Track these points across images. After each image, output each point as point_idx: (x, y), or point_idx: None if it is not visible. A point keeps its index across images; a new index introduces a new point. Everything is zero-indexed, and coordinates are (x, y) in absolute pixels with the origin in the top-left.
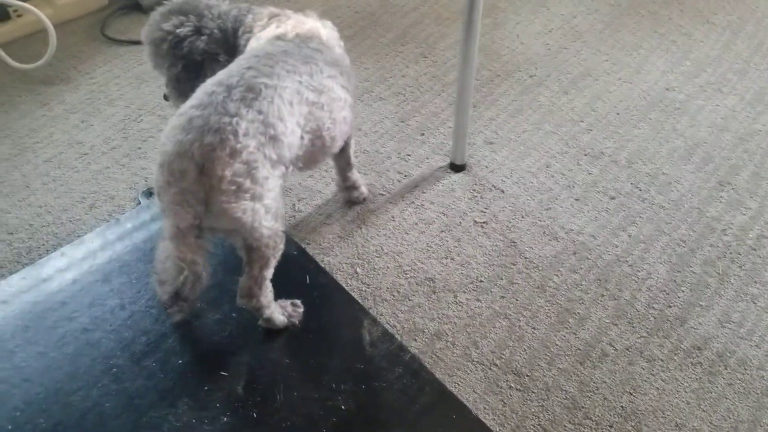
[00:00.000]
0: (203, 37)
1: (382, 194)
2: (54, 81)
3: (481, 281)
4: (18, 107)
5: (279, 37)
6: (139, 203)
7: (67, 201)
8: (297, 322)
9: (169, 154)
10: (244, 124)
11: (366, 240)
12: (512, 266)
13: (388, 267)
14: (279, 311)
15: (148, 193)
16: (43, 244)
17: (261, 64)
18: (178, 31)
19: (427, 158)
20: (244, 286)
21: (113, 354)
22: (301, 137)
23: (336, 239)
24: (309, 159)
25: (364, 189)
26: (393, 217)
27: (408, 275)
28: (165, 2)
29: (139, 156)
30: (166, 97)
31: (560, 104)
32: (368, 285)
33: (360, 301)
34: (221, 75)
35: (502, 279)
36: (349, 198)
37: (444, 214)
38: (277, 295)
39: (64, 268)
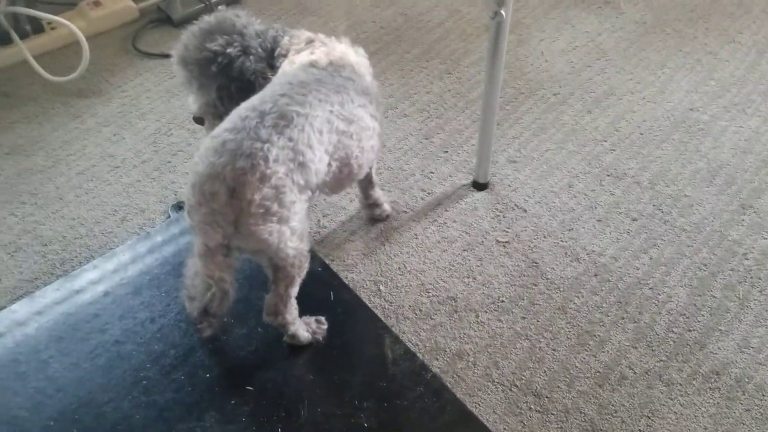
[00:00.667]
0: (251, 57)
1: (405, 211)
2: (87, 94)
3: (503, 301)
4: (52, 119)
5: (312, 64)
6: (169, 217)
7: (100, 213)
8: (321, 339)
9: (202, 176)
10: (274, 151)
11: (389, 257)
12: (533, 287)
13: (410, 285)
14: (303, 328)
15: (178, 207)
16: (76, 256)
17: (294, 92)
18: (228, 51)
19: (450, 176)
20: (270, 303)
21: (143, 366)
22: (329, 164)
23: (360, 256)
24: (336, 184)
25: (386, 206)
26: (416, 234)
27: (430, 294)
28: (196, 21)
29: (169, 170)
30: (199, 121)
31: (584, 123)
32: (391, 303)
33: (383, 318)
34: (255, 100)
35: (523, 299)
36: (372, 215)
37: (466, 233)
38: (302, 311)
39: (97, 280)
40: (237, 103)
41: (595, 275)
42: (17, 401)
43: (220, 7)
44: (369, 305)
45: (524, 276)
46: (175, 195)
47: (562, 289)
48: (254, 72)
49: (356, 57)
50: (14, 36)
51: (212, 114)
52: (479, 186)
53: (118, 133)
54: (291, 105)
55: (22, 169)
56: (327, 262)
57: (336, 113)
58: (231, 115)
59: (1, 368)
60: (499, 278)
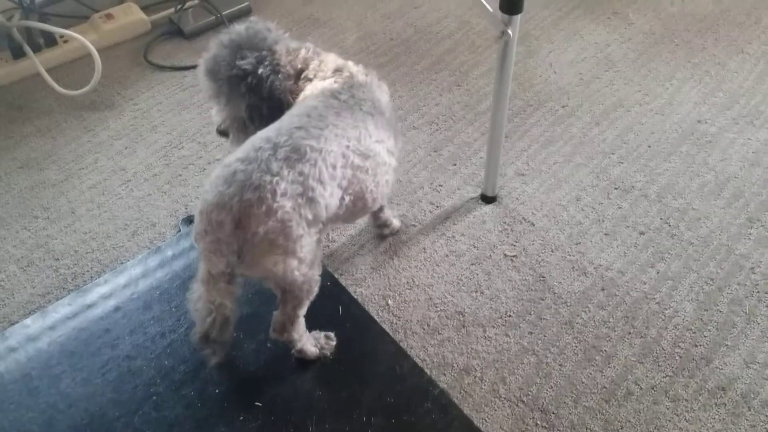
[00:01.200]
0: (280, 75)
1: (414, 225)
2: (99, 107)
3: (510, 316)
4: (64, 133)
5: (334, 95)
6: (180, 231)
7: (111, 227)
8: (329, 354)
9: (210, 204)
10: (283, 185)
11: (398, 271)
12: (541, 301)
13: (419, 299)
14: (311, 342)
15: (188, 221)
16: (88, 271)
17: (311, 126)
18: (260, 71)
19: (458, 189)
20: (277, 321)
21: (153, 382)
22: (342, 198)
23: (369, 270)
24: (349, 216)
25: (395, 223)
26: (424, 248)
27: (438, 308)
28: (227, 30)
29: (180, 183)
30: (223, 133)
31: (592, 135)
32: (399, 318)
33: (391, 333)
34: (271, 131)
35: (530, 314)
36: (381, 233)
37: (474, 247)
38: (311, 326)
39: (108, 294)
40: (268, 122)
41: (603, 289)
42: (29, 416)
43: (246, 20)
44: (377, 320)
45: (532, 290)
46: (186, 209)
47: (569, 304)
48: (283, 91)
49: (379, 92)
50: (27, 49)
51: (239, 129)
52: (487, 199)
53: (129, 147)
54: (306, 139)
55: (34, 182)
56: (336, 276)
57: (352, 148)
58: (245, 144)
59: (13, 383)
60: (507, 292)
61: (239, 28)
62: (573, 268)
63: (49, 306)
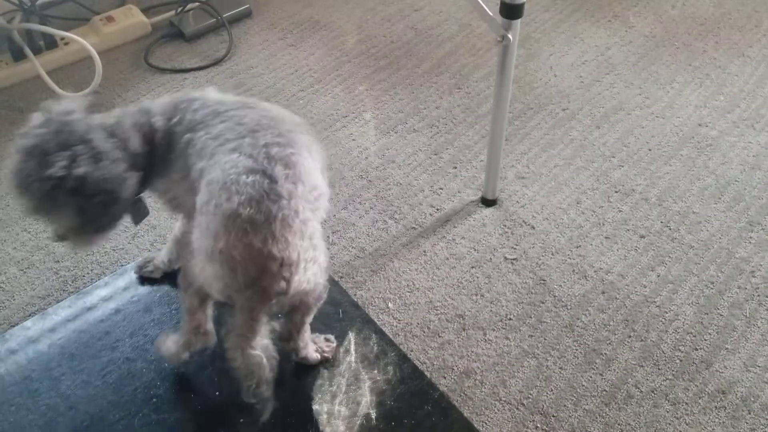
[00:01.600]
0: (104, 162)
1: (414, 228)
2: (99, 109)
3: (510, 319)
4: None
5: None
6: None
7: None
8: (330, 357)
9: (244, 258)
10: (302, 202)
11: (398, 274)
12: (541, 304)
13: (419, 302)
14: (313, 348)
15: None
16: (88, 273)
17: (276, 139)
18: (75, 172)
19: (459, 192)
20: (284, 330)
21: (153, 384)
22: (326, 185)
23: (369, 273)
24: None
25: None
26: (425, 251)
27: (438, 311)
28: (25, 130)
29: None
30: (63, 237)
31: (592, 139)
32: (399, 320)
33: (391, 336)
34: (243, 160)
35: (531, 317)
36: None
37: (475, 250)
38: (311, 328)
39: (108, 297)
40: (112, 220)
41: (603, 293)
42: (30, 418)
43: (44, 107)
44: (377, 323)
45: (532, 293)
46: None
47: (569, 307)
48: (118, 179)
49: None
50: (28, 52)
51: (77, 234)
52: (488, 202)
53: None
54: (284, 150)
55: None
56: (336, 279)
57: (306, 139)
58: (227, 186)
59: (14, 385)
60: (507, 296)
61: (38, 125)
62: (573, 271)
63: (49, 308)
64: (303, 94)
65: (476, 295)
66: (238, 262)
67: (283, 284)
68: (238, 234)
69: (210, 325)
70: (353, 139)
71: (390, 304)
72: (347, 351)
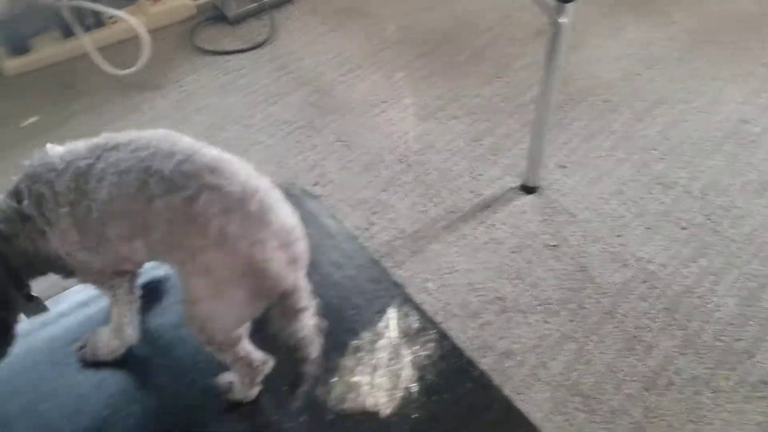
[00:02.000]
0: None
1: (453, 212)
2: (145, 87)
3: (551, 303)
4: (111, 111)
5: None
6: None
7: None
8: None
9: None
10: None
11: (437, 256)
12: (582, 291)
13: (458, 284)
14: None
15: None
16: None
17: (167, 147)
18: None
19: (499, 179)
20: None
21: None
22: None
23: (408, 254)
24: None
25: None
26: (464, 234)
27: (478, 293)
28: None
29: None
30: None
31: (634, 131)
32: (439, 300)
33: (431, 315)
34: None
35: (572, 303)
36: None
37: (515, 235)
38: (352, 306)
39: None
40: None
41: (644, 281)
42: (81, 377)
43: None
44: (417, 301)
45: (572, 279)
46: None
47: (610, 294)
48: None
49: None
50: (77, 29)
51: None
52: (528, 189)
53: (174, 127)
54: (199, 152)
55: None
56: (376, 258)
57: None
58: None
59: (65, 346)
60: (548, 281)
61: None
62: (614, 259)
63: None
64: (343, 79)
65: (516, 279)
66: (262, 272)
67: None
68: (274, 250)
69: (257, 354)
70: (393, 124)
71: (429, 284)
72: (387, 326)
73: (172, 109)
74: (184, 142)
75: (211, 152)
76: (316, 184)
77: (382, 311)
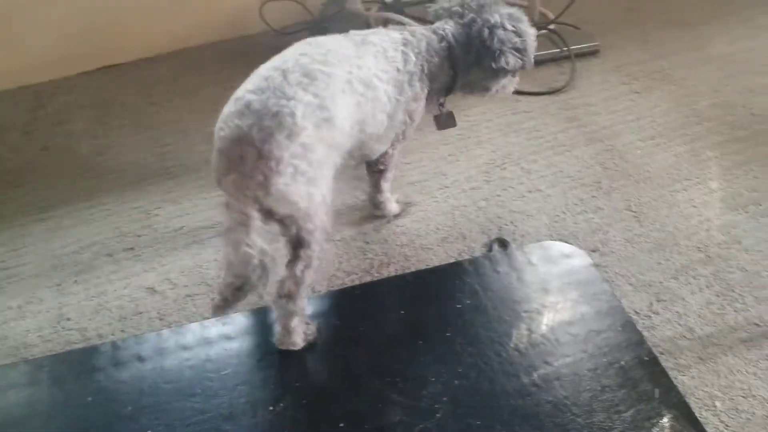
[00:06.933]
0: None
1: (758, 325)
2: None
3: None
4: None
5: (346, 36)
6: (490, 250)
7: (423, 227)
8: (312, 340)
9: (228, 140)
10: (301, 107)
11: (732, 372)
12: None
13: (755, 413)
14: (300, 328)
15: (499, 243)
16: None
17: (314, 51)
18: None
19: None
20: (284, 284)
21: None
22: (351, 127)
23: (695, 359)
24: (354, 152)
25: (390, 208)
26: None
27: None
28: None
29: (497, 203)
30: None
31: None
32: (727, 426)
33: None
34: (276, 61)
35: None
36: (374, 213)
37: None
38: (616, 404)
39: (405, 291)
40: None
41: None
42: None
43: None
44: (700, 420)
45: None
46: (500, 230)
47: None
48: None
49: (396, 53)
50: None
51: None
52: None
53: (454, 155)
54: (312, 63)
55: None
56: (656, 353)
57: (355, 75)
58: (252, 76)
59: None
60: None
61: None
62: None
63: (343, 288)
64: (642, 144)
65: None
66: (225, 142)
67: (261, 177)
68: (232, 116)
69: (251, 250)
70: (693, 206)
71: (718, 403)
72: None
73: (454, 138)
74: None
75: None
76: (595, 251)
77: (654, 418)
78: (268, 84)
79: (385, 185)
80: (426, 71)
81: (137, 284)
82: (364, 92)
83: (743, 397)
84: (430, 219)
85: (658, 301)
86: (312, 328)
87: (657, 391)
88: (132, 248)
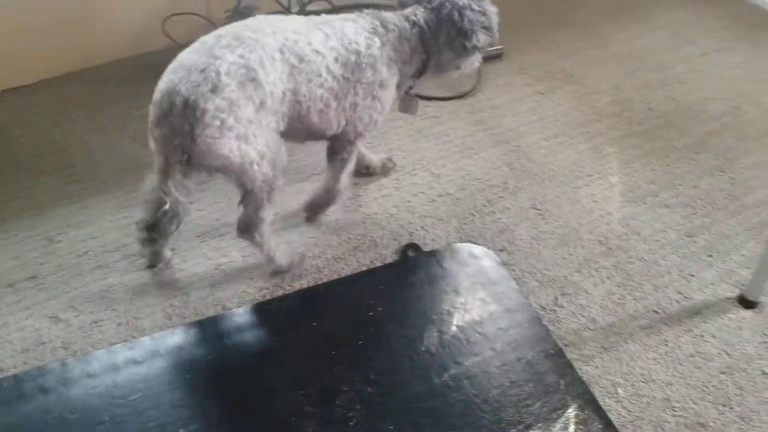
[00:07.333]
0: None
1: (656, 312)
2: None
3: None
4: None
5: (309, 17)
6: (399, 257)
7: (335, 239)
8: (297, 273)
9: (160, 92)
10: (225, 65)
11: (632, 359)
12: None
13: (654, 396)
14: (285, 253)
15: (411, 248)
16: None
17: (254, 23)
18: None
19: (712, 284)
20: (240, 221)
21: None
22: (284, 93)
23: (598, 349)
24: (294, 122)
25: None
26: (666, 341)
27: (676, 413)
28: None
29: (407, 209)
30: None
31: None
32: (629, 411)
33: (618, 427)
34: (217, 29)
35: None
36: (323, 202)
37: (727, 354)
38: (525, 397)
39: (318, 302)
40: None
41: None
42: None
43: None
44: (604, 407)
45: None
46: (410, 236)
47: None
48: None
49: (358, 37)
50: None
51: None
52: (747, 303)
53: None
54: (245, 31)
55: None
56: (561, 346)
57: (288, 47)
58: (196, 42)
59: (216, 370)
60: (761, 416)
61: None
62: None
63: (261, 302)
64: (545, 144)
65: (724, 405)
66: (158, 94)
67: (187, 127)
68: (168, 72)
69: (165, 196)
70: (595, 201)
71: (620, 390)
72: (565, 429)
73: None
74: None
75: None
76: (503, 250)
77: (560, 409)
78: (202, 46)
79: (344, 176)
80: (395, 59)
81: (41, 313)
82: (297, 63)
83: (644, 382)
84: (342, 229)
85: (563, 294)
86: (302, 265)
87: (562, 383)
88: (34, 276)
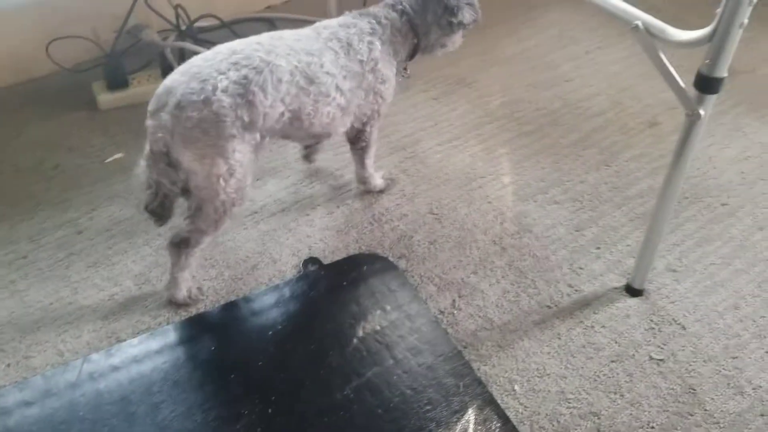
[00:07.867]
0: None
1: (549, 306)
2: None
3: (653, 427)
4: None
5: (315, 29)
6: (300, 271)
7: (232, 258)
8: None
9: (164, 86)
10: (225, 83)
11: (528, 355)
12: (689, 416)
13: (549, 390)
14: (185, 285)
15: (311, 262)
16: (202, 299)
17: (267, 42)
18: None
19: (601, 275)
20: (178, 235)
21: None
22: (282, 113)
23: (495, 348)
24: (288, 133)
25: (375, 183)
26: (559, 334)
27: (570, 404)
28: None
29: (306, 223)
30: None
31: (754, 240)
32: (526, 407)
33: (516, 423)
34: (236, 43)
35: (676, 429)
36: (361, 188)
37: (616, 342)
38: (426, 402)
39: (216, 325)
40: None
41: (762, 415)
42: None
43: None
44: (501, 405)
45: (679, 402)
46: (309, 250)
47: (721, 425)
48: None
49: (361, 44)
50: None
51: None
52: (633, 291)
53: (262, 179)
54: (258, 51)
55: None
56: (459, 348)
57: (300, 69)
58: (213, 48)
59: (111, 404)
60: (650, 400)
61: None
62: (728, 384)
63: (158, 329)
64: (440, 148)
65: (615, 393)
66: (162, 87)
67: (170, 125)
68: (178, 72)
69: (149, 179)
70: (489, 202)
71: (517, 387)
72: (466, 430)
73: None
74: None
75: None
76: (401, 257)
77: (460, 411)
78: (215, 56)
79: (369, 161)
80: (392, 53)
81: None
82: (306, 86)
83: (539, 377)
84: (239, 248)
85: (460, 297)
86: (201, 297)
87: (461, 385)
88: None
